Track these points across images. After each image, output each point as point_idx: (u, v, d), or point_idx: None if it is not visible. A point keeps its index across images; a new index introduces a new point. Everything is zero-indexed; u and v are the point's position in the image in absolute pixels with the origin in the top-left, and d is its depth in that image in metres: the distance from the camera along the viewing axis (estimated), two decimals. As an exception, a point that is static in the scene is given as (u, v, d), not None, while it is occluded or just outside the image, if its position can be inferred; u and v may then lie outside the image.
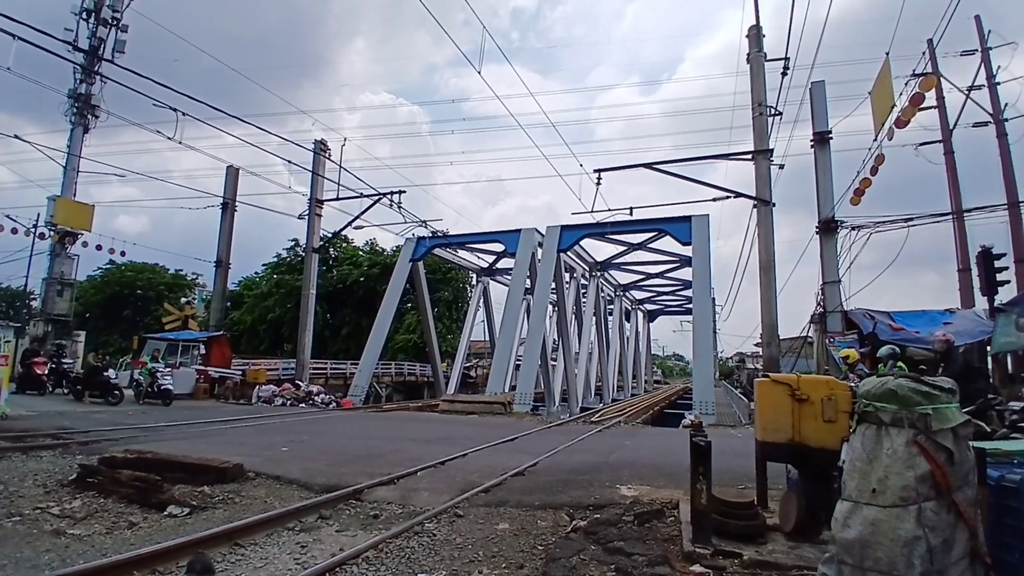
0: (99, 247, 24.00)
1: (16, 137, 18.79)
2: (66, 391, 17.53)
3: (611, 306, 40.79)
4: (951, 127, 19.96)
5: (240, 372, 23.32)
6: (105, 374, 16.27)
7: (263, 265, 48.48)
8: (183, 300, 44.02)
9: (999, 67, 19.46)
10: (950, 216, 18.81)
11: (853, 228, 17.20)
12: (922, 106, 14.67)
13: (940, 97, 19.86)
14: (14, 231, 22.22)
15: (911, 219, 16.86)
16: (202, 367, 21.76)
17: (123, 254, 26.30)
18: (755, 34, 18.87)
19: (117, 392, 16.07)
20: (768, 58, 18.60)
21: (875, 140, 15.25)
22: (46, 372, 17.24)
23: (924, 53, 16.66)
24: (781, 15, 17.81)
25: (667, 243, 26.40)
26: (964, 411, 3.13)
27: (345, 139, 39.06)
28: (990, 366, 13.17)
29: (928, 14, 12.49)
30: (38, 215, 22.26)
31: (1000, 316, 12.80)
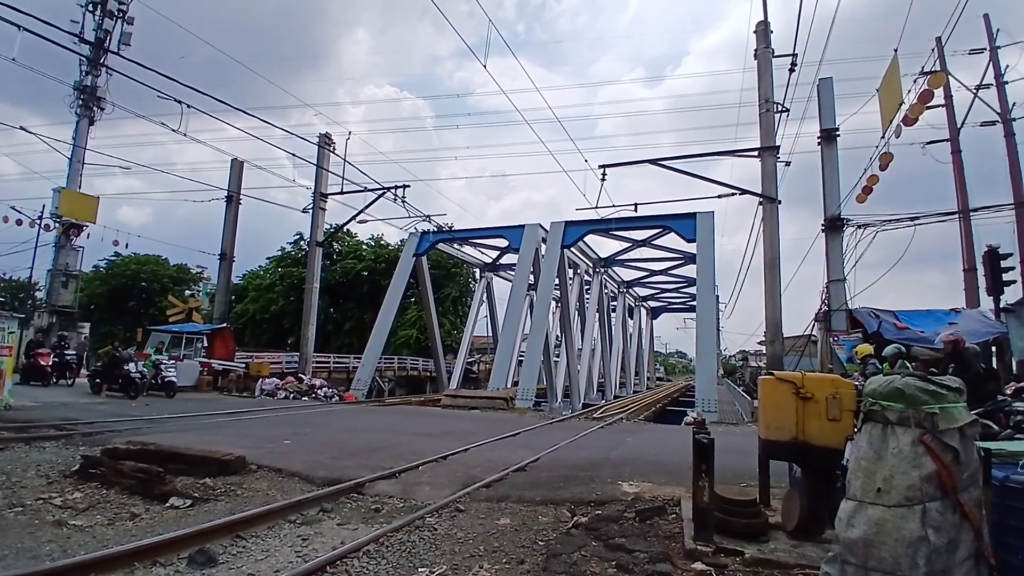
0: (102, 239, 24.12)
1: (22, 129, 18.85)
2: (70, 382, 17.58)
3: (614, 303, 40.73)
4: (959, 126, 19.83)
5: (243, 365, 23.38)
6: (126, 367, 15.57)
7: (267, 258, 48.60)
8: (187, 292, 44.20)
9: (1007, 66, 19.30)
10: (956, 215, 18.70)
11: (859, 227, 17.12)
12: (930, 104, 14.57)
13: (948, 96, 19.72)
14: (19, 222, 22.29)
15: (917, 218, 16.79)
16: (206, 359, 21.81)
17: (127, 246, 26.42)
18: (763, 30, 18.78)
19: (138, 385, 15.52)
20: (776, 54, 18.50)
21: (883, 138, 15.17)
22: (50, 363, 17.28)
23: (932, 51, 16.56)
24: (789, 6, 17.66)
25: (671, 240, 26.34)
26: (975, 412, 3.10)
27: (350, 133, 39.00)
28: (1014, 369, 13.05)
29: (937, 12, 12.40)
30: (43, 207, 22.35)
31: (1010, 318, 12.72)
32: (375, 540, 4.60)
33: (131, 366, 15.74)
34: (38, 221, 22.59)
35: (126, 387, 15.50)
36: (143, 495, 5.77)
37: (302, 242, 43.39)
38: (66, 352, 18.12)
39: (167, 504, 5.58)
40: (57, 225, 21.95)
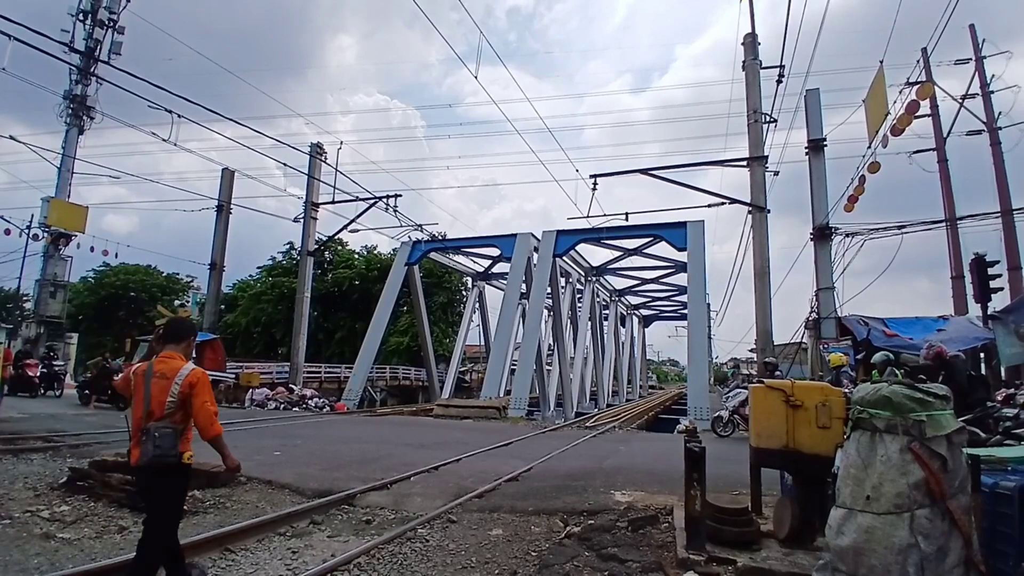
0: (92, 248, 23.94)
1: (11, 138, 18.69)
2: (58, 393, 17.38)
3: (606, 311, 40.80)
4: (945, 135, 20.08)
5: (233, 375, 23.18)
6: (115, 378, 15.48)
7: (258, 268, 48.27)
8: (177, 302, 43.83)
9: (993, 75, 19.58)
10: (943, 223, 18.90)
11: (847, 235, 17.27)
12: (916, 114, 14.76)
13: (934, 105, 19.98)
14: (7, 232, 22.09)
15: (904, 226, 16.94)
16: (195, 370, 21.58)
17: (116, 256, 26.24)
18: (751, 42, 18.98)
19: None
20: (763, 66, 18.69)
21: (869, 147, 15.34)
22: (38, 374, 17.09)
23: (918, 61, 16.79)
24: (776, 13, 17.86)
25: (662, 248, 26.47)
26: (964, 419, 3.12)
27: (341, 143, 38.90)
28: (1002, 375, 13.16)
29: (922, 22, 12.58)
30: (32, 216, 22.16)
31: (997, 325, 12.85)
32: (366, 552, 4.57)
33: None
34: (27, 231, 22.41)
35: (115, 398, 15.33)
36: (131, 507, 5.68)
37: (293, 251, 43.21)
38: (54, 363, 17.92)
39: (155, 517, 5.51)
40: (46, 235, 21.77)
